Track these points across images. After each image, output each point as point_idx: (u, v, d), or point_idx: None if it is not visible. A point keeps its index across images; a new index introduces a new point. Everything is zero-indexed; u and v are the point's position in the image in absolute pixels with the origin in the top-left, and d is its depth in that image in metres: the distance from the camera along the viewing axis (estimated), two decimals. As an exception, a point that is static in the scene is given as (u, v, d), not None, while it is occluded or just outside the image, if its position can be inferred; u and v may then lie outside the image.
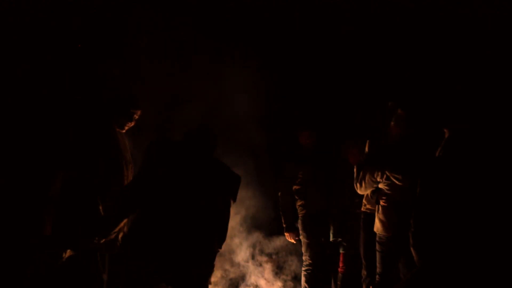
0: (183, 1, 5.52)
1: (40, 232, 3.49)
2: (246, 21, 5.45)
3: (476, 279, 3.29)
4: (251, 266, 5.37)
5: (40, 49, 4.78)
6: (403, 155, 4.02)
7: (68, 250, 3.51)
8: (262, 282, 5.34)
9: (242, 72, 5.16)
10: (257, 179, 5.26)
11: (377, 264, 4.19)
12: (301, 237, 5.05)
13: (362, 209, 4.52)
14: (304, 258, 5.03)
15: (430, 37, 5.51)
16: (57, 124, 4.32)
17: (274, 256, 5.47)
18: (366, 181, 4.20)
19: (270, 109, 5.62)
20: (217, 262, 3.58)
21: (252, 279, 5.35)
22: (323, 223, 4.98)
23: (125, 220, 3.51)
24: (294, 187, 5.05)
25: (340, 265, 4.99)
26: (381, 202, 4.19)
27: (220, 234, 3.36)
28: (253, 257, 5.43)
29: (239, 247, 5.33)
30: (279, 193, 5.14)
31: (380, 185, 4.18)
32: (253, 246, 5.43)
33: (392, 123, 4.13)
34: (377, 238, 4.19)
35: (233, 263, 5.32)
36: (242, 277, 5.36)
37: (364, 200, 4.50)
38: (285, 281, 5.35)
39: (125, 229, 3.67)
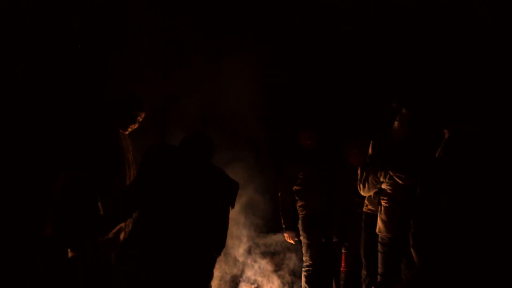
0: (183, 1, 5.52)
1: (42, 232, 3.49)
2: (246, 21, 5.44)
3: (476, 279, 3.29)
4: (249, 263, 5.38)
5: (40, 49, 4.78)
6: (406, 155, 4.01)
7: (70, 251, 3.51)
8: (260, 279, 5.35)
9: (242, 72, 5.16)
10: (256, 176, 5.26)
11: (379, 265, 4.19)
12: (301, 237, 5.05)
13: (364, 209, 4.52)
14: (304, 258, 5.03)
15: (430, 37, 5.51)
16: (58, 124, 4.32)
17: (272, 253, 5.47)
18: (370, 181, 4.20)
19: (270, 109, 5.63)
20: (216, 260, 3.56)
21: (251, 276, 5.36)
22: (323, 223, 4.98)
23: (126, 221, 3.51)
24: (295, 187, 5.05)
25: (342, 264, 4.99)
26: (382, 203, 4.19)
27: (219, 240, 3.33)
28: (251, 254, 5.43)
29: (238, 244, 5.33)
30: (279, 193, 5.14)
31: (383, 186, 4.17)
32: (252, 243, 5.42)
33: (396, 122, 4.13)
34: (379, 239, 4.18)
35: (231, 260, 5.32)
36: (241, 274, 5.37)
37: (366, 201, 4.50)
38: (283, 278, 5.36)
39: (127, 229, 3.67)
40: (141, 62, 5.04)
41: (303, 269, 5.03)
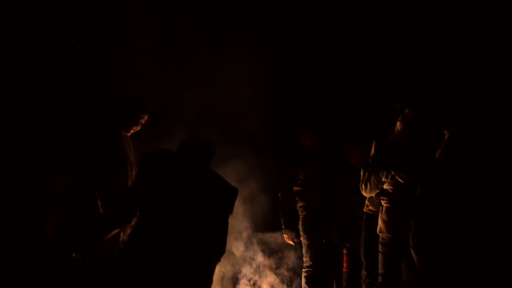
0: (183, 1, 5.52)
1: (43, 233, 3.49)
2: (246, 21, 5.44)
3: (476, 280, 3.29)
4: (248, 260, 5.37)
5: (40, 49, 4.78)
6: (408, 155, 4.01)
7: (73, 251, 3.50)
8: (259, 277, 5.35)
9: (242, 72, 5.16)
10: (256, 174, 5.26)
11: (379, 265, 4.18)
12: (301, 238, 5.04)
13: (364, 209, 4.51)
14: (304, 259, 5.02)
15: (430, 37, 5.51)
16: (58, 124, 4.32)
17: (271, 251, 5.47)
18: (372, 181, 4.20)
19: (270, 109, 5.62)
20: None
21: (249, 273, 5.36)
22: (323, 224, 4.98)
23: (126, 223, 3.49)
24: (295, 188, 5.04)
25: (344, 265, 4.99)
26: (383, 203, 4.19)
27: (218, 247, 3.32)
28: (250, 251, 5.43)
29: (237, 241, 5.32)
30: (279, 194, 5.14)
31: (385, 186, 4.17)
32: (251, 241, 5.42)
33: (398, 123, 4.13)
34: (379, 239, 4.18)
35: (230, 258, 5.32)
36: (240, 272, 5.37)
37: (366, 201, 4.49)
38: (282, 276, 5.36)
39: (128, 230, 3.66)
40: (141, 62, 5.04)
41: (303, 270, 5.02)
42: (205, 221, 3.23)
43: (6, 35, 4.63)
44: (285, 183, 5.10)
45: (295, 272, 5.30)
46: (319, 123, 5.27)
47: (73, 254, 3.49)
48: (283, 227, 5.14)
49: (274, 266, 5.42)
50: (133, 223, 3.32)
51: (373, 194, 4.28)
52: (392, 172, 4.08)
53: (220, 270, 5.25)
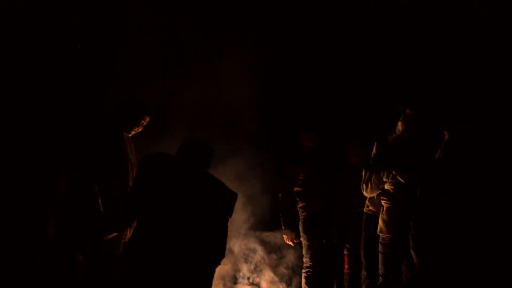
0: (183, 1, 5.52)
1: (42, 233, 3.49)
2: (246, 21, 5.44)
3: (476, 280, 3.29)
4: (247, 259, 5.37)
5: (40, 49, 4.78)
6: (409, 155, 4.00)
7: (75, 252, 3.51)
8: (258, 275, 5.35)
9: (242, 72, 5.16)
10: (256, 173, 5.26)
11: (380, 266, 4.17)
12: (301, 238, 5.04)
13: (364, 210, 4.49)
14: (304, 259, 5.01)
15: (430, 37, 5.51)
16: (58, 124, 4.32)
17: (271, 249, 5.46)
18: (372, 181, 4.19)
19: (270, 109, 5.63)
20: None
21: (249, 273, 5.36)
22: (324, 224, 4.97)
23: (126, 224, 3.49)
24: (295, 188, 5.03)
25: (346, 266, 4.98)
26: (383, 203, 4.18)
27: (218, 250, 3.31)
28: (250, 250, 5.43)
29: (236, 239, 5.31)
30: (280, 194, 5.14)
31: (386, 186, 4.16)
32: (250, 239, 5.42)
33: (399, 123, 4.13)
34: (380, 240, 4.17)
35: (229, 256, 5.32)
36: (239, 270, 5.37)
37: (367, 201, 4.47)
38: (281, 274, 5.36)
39: (130, 230, 3.66)
40: (141, 62, 5.04)
41: (303, 270, 5.02)
42: (204, 225, 3.22)
43: (6, 35, 4.63)
44: (285, 183, 5.09)
45: (294, 271, 5.31)
46: (319, 123, 5.27)
47: (78, 255, 3.49)
48: (282, 227, 5.13)
49: (273, 265, 5.42)
50: (133, 226, 3.32)
51: (374, 194, 4.28)
52: (393, 172, 4.08)
53: (220, 268, 5.26)
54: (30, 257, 3.46)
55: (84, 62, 5.00)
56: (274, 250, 5.46)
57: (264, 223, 5.45)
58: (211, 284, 3.32)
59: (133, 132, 4.16)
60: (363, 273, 4.50)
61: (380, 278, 4.17)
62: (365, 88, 5.72)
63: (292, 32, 5.78)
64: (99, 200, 3.54)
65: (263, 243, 5.45)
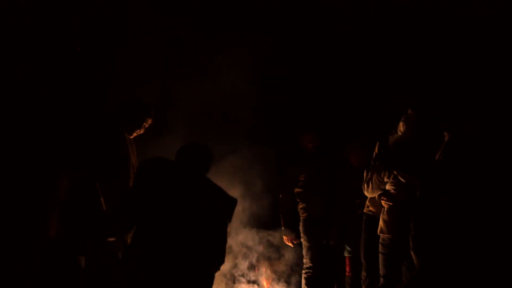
0: (183, 1, 5.52)
1: (42, 233, 3.49)
2: (247, 20, 5.44)
3: (476, 281, 3.28)
4: (246, 256, 5.37)
5: (40, 49, 4.78)
6: (410, 155, 4.00)
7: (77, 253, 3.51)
8: (257, 273, 5.35)
9: (242, 72, 5.16)
10: (255, 171, 5.26)
11: (380, 266, 4.17)
12: (302, 240, 5.03)
13: (365, 210, 4.48)
14: (304, 260, 5.01)
15: (430, 37, 5.51)
16: (58, 124, 4.32)
17: (269, 247, 5.46)
18: (373, 181, 4.18)
19: (270, 109, 5.62)
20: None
21: (247, 269, 5.36)
22: (324, 226, 4.97)
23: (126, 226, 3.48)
24: (296, 189, 5.03)
25: (347, 269, 4.97)
26: (383, 203, 4.18)
27: (217, 256, 3.29)
28: (248, 248, 5.42)
29: (235, 237, 5.31)
30: (280, 195, 5.13)
31: (387, 186, 4.15)
32: (249, 237, 5.42)
33: (400, 123, 4.12)
34: (380, 240, 4.17)
35: (228, 254, 5.32)
36: (238, 268, 5.36)
37: (367, 202, 4.47)
38: (280, 272, 5.36)
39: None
40: (141, 62, 5.04)
41: (303, 271, 5.02)
42: (204, 231, 3.20)
43: (6, 35, 4.63)
44: (286, 184, 5.09)
45: (293, 270, 5.31)
46: (320, 123, 5.27)
47: (79, 256, 3.49)
48: (282, 228, 5.13)
49: (272, 263, 5.42)
50: (131, 231, 3.31)
51: (375, 195, 4.27)
52: (395, 172, 4.07)
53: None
54: (30, 257, 3.46)
55: (84, 62, 5.00)
56: (273, 248, 5.46)
57: (264, 221, 5.44)
58: None
59: (134, 134, 4.15)
60: (363, 273, 4.49)
61: (381, 279, 4.17)
62: (365, 88, 5.72)
63: (292, 32, 5.78)
64: (102, 199, 3.53)
65: (262, 241, 5.45)
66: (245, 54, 5.25)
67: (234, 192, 4.94)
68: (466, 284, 3.31)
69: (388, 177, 4.12)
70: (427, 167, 3.54)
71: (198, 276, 3.20)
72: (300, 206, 5.03)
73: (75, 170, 3.62)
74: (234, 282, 5.34)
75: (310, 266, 4.94)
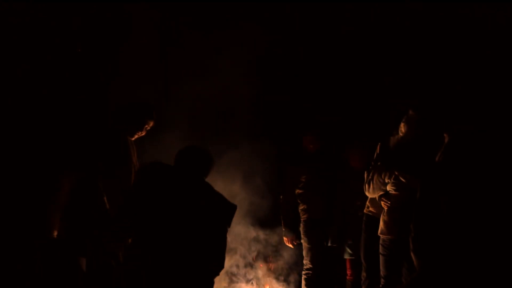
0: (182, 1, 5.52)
1: (47, 234, 3.48)
2: (246, 20, 5.44)
3: (476, 283, 3.28)
4: (245, 255, 5.37)
5: (40, 49, 4.78)
6: (411, 156, 3.99)
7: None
8: (256, 271, 5.35)
9: (242, 73, 5.17)
10: (255, 171, 5.26)
11: (381, 268, 4.16)
12: (302, 241, 5.04)
13: (365, 211, 4.48)
14: (304, 262, 5.01)
15: (430, 37, 5.51)
16: (58, 124, 4.32)
17: (268, 246, 5.46)
18: (374, 181, 4.18)
19: (271, 109, 5.63)
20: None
21: (246, 268, 5.36)
22: (325, 227, 4.97)
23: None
24: (297, 191, 5.03)
25: (348, 272, 4.96)
26: (382, 204, 4.18)
27: (217, 261, 3.29)
28: (247, 246, 5.42)
29: (234, 236, 5.32)
30: (281, 196, 5.14)
31: (388, 187, 4.15)
32: (248, 236, 5.42)
33: (402, 124, 4.12)
34: (380, 241, 4.17)
35: (227, 255, 5.31)
36: (237, 267, 5.37)
37: (367, 202, 4.47)
38: (278, 270, 5.36)
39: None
40: (140, 60, 5.04)
41: (303, 272, 5.02)
42: (203, 236, 3.19)
43: (6, 35, 4.63)
44: (287, 185, 5.09)
45: (292, 267, 5.31)
46: (321, 124, 5.27)
47: (79, 256, 3.49)
48: (283, 229, 5.14)
49: (271, 262, 5.42)
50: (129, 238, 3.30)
51: (376, 195, 4.26)
52: (396, 173, 4.07)
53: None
54: (30, 257, 3.45)
55: (84, 62, 5.00)
56: (272, 246, 5.46)
57: (263, 220, 5.44)
58: None
59: (136, 136, 4.14)
60: (363, 274, 4.49)
61: (382, 280, 4.16)
62: (365, 89, 5.72)
63: (292, 32, 5.78)
64: (105, 198, 3.53)
65: (262, 239, 5.45)
66: (246, 54, 5.26)
67: (234, 189, 4.96)
68: (466, 286, 3.30)
69: (389, 178, 4.12)
70: (428, 168, 3.53)
71: (198, 280, 3.20)
72: (301, 207, 5.03)
73: (77, 171, 3.62)
74: (233, 281, 5.35)
75: (310, 267, 4.94)
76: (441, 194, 3.33)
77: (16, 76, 4.61)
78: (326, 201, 4.96)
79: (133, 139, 4.14)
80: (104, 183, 3.62)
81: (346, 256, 4.95)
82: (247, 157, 5.21)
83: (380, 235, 4.18)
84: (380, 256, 4.18)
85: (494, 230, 3.26)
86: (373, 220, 4.32)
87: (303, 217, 5.02)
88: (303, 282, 5.02)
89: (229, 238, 4.94)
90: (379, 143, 4.29)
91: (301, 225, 5.03)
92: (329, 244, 4.96)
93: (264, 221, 5.44)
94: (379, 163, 4.20)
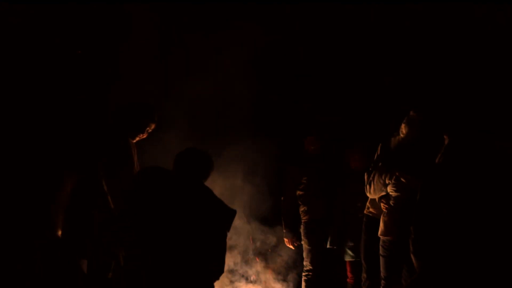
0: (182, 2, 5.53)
1: (49, 234, 3.48)
2: (247, 20, 5.45)
3: (476, 284, 3.28)
4: (244, 254, 5.37)
5: (40, 50, 4.78)
6: (412, 157, 3.99)
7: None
8: (255, 271, 5.36)
9: (243, 73, 5.17)
10: (255, 171, 5.27)
11: (381, 269, 4.15)
12: (302, 242, 5.04)
13: (365, 212, 4.48)
14: (305, 263, 5.01)
15: (430, 37, 5.51)
16: (58, 125, 4.31)
17: (267, 245, 5.46)
18: (375, 182, 4.17)
19: (272, 112, 5.63)
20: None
21: (245, 267, 5.36)
22: (325, 229, 4.96)
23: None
24: (298, 192, 5.03)
25: (349, 275, 4.95)
26: (382, 205, 4.18)
27: (217, 265, 3.29)
28: (246, 245, 5.42)
29: (233, 236, 5.32)
30: (282, 197, 5.14)
31: (388, 188, 4.14)
32: (247, 235, 5.42)
33: (403, 125, 4.12)
34: (381, 242, 4.16)
35: (227, 255, 5.30)
36: (236, 266, 5.37)
37: (368, 203, 4.46)
38: (277, 269, 5.36)
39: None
40: (141, 60, 5.05)
41: (303, 274, 5.02)
42: (203, 240, 3.20)
43: (6, 35, 4.63)
44: (288, 187, 5.08)
45: (291, 267, 5.31)
46: (321, 126, 5.28)
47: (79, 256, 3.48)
48: (284, 230, 5.14)
49: (269, 260, 5.42)
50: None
51: (377, 196, 4.25)
52: (397, 174, 4.06)
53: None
54: (30, 257, 3.45)
55: (84, 62, 5.00)
56: (271, 245, 5.46)
57: (263, 219, 5.44)
58: None
59: (137, 138, 4.12)
60: (363, 275, 4.48)
61: (382, 281, 4.16)
62: (365, 90, 5.72)
63: (292, 33, 5.79)
64: (109, 197, 3.53)
65: (259, 238, 5.45)
66: (246, 54, 5.26)
67: (234, 188, 4.96)
68: None
69: (390, 179, 4.11)
70: (429, 169, 3.53)
71: (198, 281, 3.19)
72: (302, 208, 5.03)
73: (78, 171, 3.62)
74: (232, 280, 5.35)
75: (311, 269, 4.94)
76: (441, 196, 3.33)
77: (16, 76, 4.61)
78: (326, 203, 4.96)
79: (134, 141, 4.13)
80: (107, 182, 3.62)
81: (347, 258, 4.94)
82: (247, 157, 5.21)
83: (380, 236, 4.17)
84: (380, 257, 4.17)
85: (494, 232, 3.25)
86: (374, 221, 4.31)
87: (303, 218, 5.01)
88: (303, 284, 5.02)
89: (229, 235, 4.97)
90: (380, 144, 4.29)
91: (302, 226, 5.03)
92: (328, 246, 4.95)
93: (264, 221, 5.44)
94: (379, 164, 4.20)
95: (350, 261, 4.94)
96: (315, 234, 4.95)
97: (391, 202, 4.12)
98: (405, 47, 5.56)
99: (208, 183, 3.47)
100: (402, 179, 4.04)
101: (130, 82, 4.82)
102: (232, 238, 5.26)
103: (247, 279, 5.36)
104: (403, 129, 4.12)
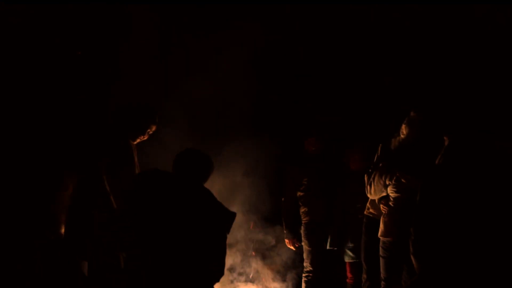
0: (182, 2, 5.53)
1: (51, 234, 3.49)
2: (247, 20, 5.45)
3: (476, 285, 3.28)
4: (243, 254, 5.38)
5: (40, 50, 4.78)
6: (413, 157, 3.99)
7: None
8: (254, 270, 5.36)
9: (243, 74, 5.17)
10: (254, 170, 5.26)
11: (381, 270, 4.15)
12: (303, 243, 5.04)
13: (365, 212, 4.48)
14: (305, 264, 5.01)
15: (430, 37, 5.51)
16: (58, 125, 4.31)
17: (266, 245, 5.46)
18: (375, 183, 4.17)
19: (272, 112, 5.63)
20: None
21: (244, 267, 5.36)
22: (326, 230, 4.96)
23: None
24: (298, 193, 5.03)
25: (349, 276, 4.95)
26: (381, 206, 4.17)
27: (217, 266, 3.30)
28: (245, 245, 5.42)
29: (232, 236, 5.31)
30: (283, 199, 5.13)
31: (389, 189, 4.14)
32: (246, 235, 5.42)
33: (403, 125, 4.12)
34: (380, 243, 4.16)
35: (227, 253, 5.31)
36: (235, 266, 5.37)
37: (368, 204, 4.46)
38: (276, 269, 5.37)
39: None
40: (141, 59, 5.05)
41: (304, 275, 5.02)
42: (202, 243, 3.20)
43: (6, 36, 4.63)
44: (289, 188, 5.08)
45: (289, 266, 5.31)
46: (322, 127, 5.27)
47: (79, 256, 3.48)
48: (284, 231, 5.14)
49: (268, 260, 5.42)
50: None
51: (378, 197, 4.25)
52: (397, 174, 4.06)
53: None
54: (30, 257, 3.45)
55: (84, 62, 5.00)
56: (269, 244, 5.46)
57: (263, 219, 5.44)
58: None
59: (138, 140, 4.12)
60: (364, 276, 4.48)
61: (382, 282, 4.16)
62: (365, 90, 5.72)
63: (292, 33, 5.79)
64: (111, 197, 3.53)
65: (258, 238, 5.45)
66: (246, 54, 5.26)
67: (233, 188, 4.96)
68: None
69: (390, 180, 4.11)
70: (429, 169, 3.53)
71: (198, 282, 3.19)
72: (302, 209, 5.02)
73: (78, 171, 3.62)
74: (231, 281, 5.35)
75: (311, 270, 4.94)
76: (441, 197, 3.33)
77: (16, 76, 4.61)
78: (326, 203, 4.96)
79: (135, 143, 4.12)
80: (108, 183, 3.62)
81: (347, 259, 4.94)
82: (247, 157, 5.21)
83: (380, 237, 4.17)
84: (381, 258, 4.17)
85: (494, 233, 3.25)
86: (374, 222, 4.31)
87: (304, 219, 5.01)
88: (303, 285, 5.02)
89: (229, 237, 4.98)
90: (380, 145, 4.29)
91: (302, 227, 5.02)
92: (328, 247, 4.95)
93: (264, 221, 5.44)
94: (380, 165, 4.19)
95: (350, 262, 4.94)
96: (315, 235, 4.95)
97: (391, 203, 4.12)
98: (405, 47, 5.56)
99: (208, 183, 3.46)
100: (403, 180, 4.04)
101: (130, 82, 4.82)
102: (231, 237, 5.26)
103: (247, 278, 5.36)
104: (404, 130, 4.11)
